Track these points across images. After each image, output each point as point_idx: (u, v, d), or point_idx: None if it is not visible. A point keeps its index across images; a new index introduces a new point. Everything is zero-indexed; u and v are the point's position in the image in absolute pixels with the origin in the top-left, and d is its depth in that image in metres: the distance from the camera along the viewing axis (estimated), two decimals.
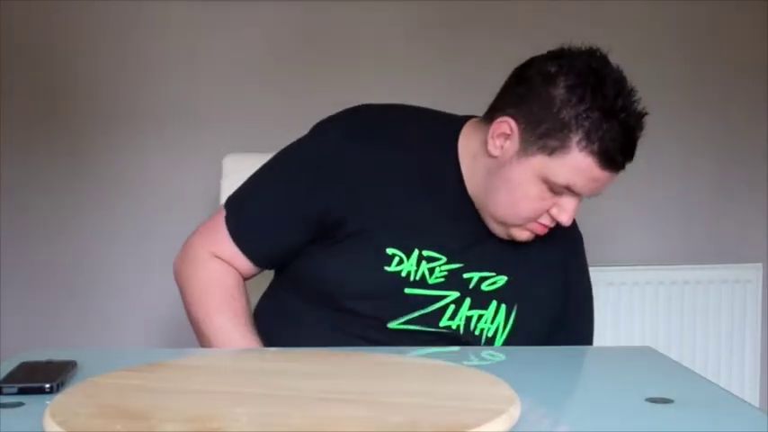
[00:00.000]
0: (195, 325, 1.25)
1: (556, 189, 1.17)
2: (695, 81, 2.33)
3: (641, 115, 1.19)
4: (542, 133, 1.15)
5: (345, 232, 1.21)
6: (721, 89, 2.34)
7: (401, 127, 1.28)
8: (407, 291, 1.20)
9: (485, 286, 1.23)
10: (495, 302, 1.23)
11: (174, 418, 0.71)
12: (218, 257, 1.25)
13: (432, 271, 1.21)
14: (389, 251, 1.19)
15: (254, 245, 1.25)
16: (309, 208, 1.22)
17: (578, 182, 1.16)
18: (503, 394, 0.78)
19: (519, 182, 1.17)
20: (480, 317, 1.23)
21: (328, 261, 1.21)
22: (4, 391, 0.84)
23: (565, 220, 1.19)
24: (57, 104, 2.20)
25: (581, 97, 1.14)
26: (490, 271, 1.24)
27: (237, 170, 1.39)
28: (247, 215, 1.26)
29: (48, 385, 0.84)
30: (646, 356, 1.10)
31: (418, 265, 1.20)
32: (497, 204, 1.20)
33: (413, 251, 1.20)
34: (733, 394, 0.89)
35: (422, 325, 1.21)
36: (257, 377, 0.88)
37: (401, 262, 1.20)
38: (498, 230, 1.23)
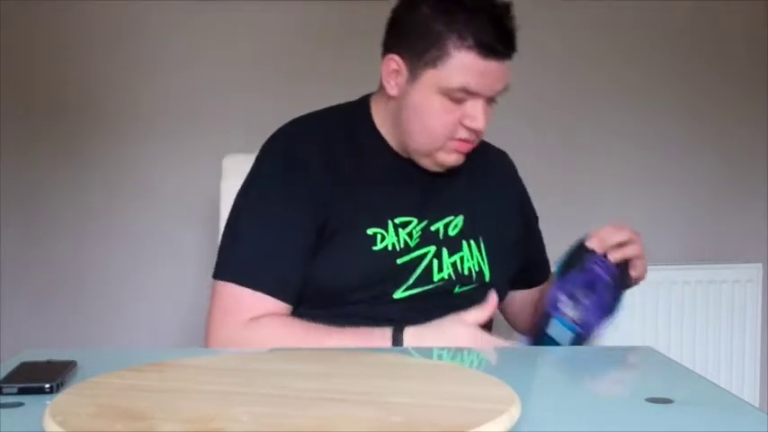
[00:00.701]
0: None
1: (455, 96, 1.22)
2: (695, 81, 2.33)
3: (506, 5, 1.24)
4: (422, 52, 1.22)
5: (329, 233, 1.26)
6: (721, 89, 2.34)
7: (321, 121, 1.35)
8: (399, 261, 1.27)
9: (451, 231, 1.32)
10: (464, 242, 1.32)
11: (174, 418, 0.71)
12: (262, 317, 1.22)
13: (411, 235, 1.28)
14: (370, 231, 1.26)
15: (280, 283, 1.23)
16: (306, 230, 1.25)
17: (470, 80, 1.21)
18: (503, 394, 0.78)
19: (421, 104, 1.24)
20: (462, 258, 1.31)
21: (323, 262, 1.25)
22: (4, 391, 0.84)
23: (477, 125, 1.23)
24: (57, 105, 2.20)
25: (444, 8, 1.22)
26: (448, 216, 1.32)
27: (237, 171, 1.39)
28: (256, 263, 1.24)
29: (48, 385, 0.84)
30: (646, 356, 1.10)
31: (397, 234, 1.27)
32: (414, 136, 1.27)
33: (387, 223, 1.27)
34: (733, 394, 0.89)
35: (421, 286, 1.27)
36: (257, 377, 0.88)
37: (383, 238, 1.26)
38: (429, 164, 1.30)
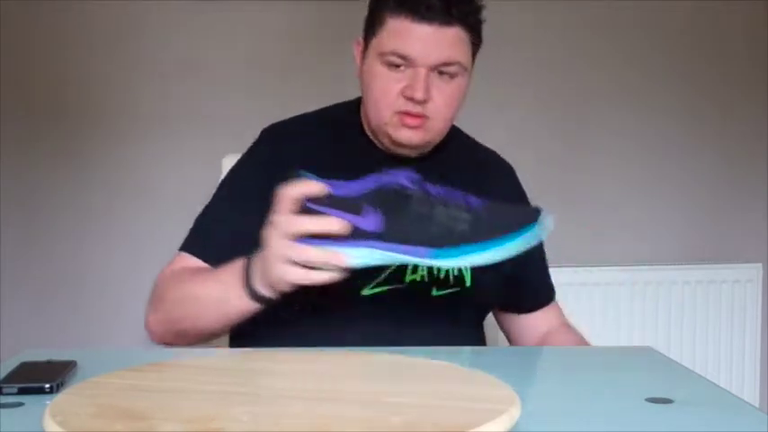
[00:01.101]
0: (185, 312, 1.19)
1: (392, 61, 1.21)
2: (695, 81, 2.33)
3: None
4: (369, 25, 1.25)
5: None
6: (722, 89, 2.34)
7: (310, 120, 1.36)
8: None
9: None
10: None
11: (173, 418, 0.71)
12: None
13: None
14: None
15: (202, 243, 1.26)
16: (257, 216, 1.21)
17: (403, 44, 1.19)
18: (503, 394, 0.78)
19: (368, 75, 1.24)
20: None
21: None
22: (4, 391, 0.84)
23: (414, 93, 1.19)
24: (57, 105, 2.20)
25: None
26: None
27: None
28: (201, 230, 1.28)
29: (48, 385, 0.84)
30: (646, 356, 1.10)
31: None
32: (368, 111, 1.27)
33: None
34: (733, 394, 0.89)
35: (391, 284, 1.23)
36: (257, 377, 0.88)
37: None
38: (388, 143, 1.27)
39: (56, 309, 2.21)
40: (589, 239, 2.29)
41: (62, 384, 0.86)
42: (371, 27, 1.25)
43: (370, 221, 0.99)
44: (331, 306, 1.19)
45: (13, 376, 0.88)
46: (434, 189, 1.01)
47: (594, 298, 2.21)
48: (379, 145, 1.31)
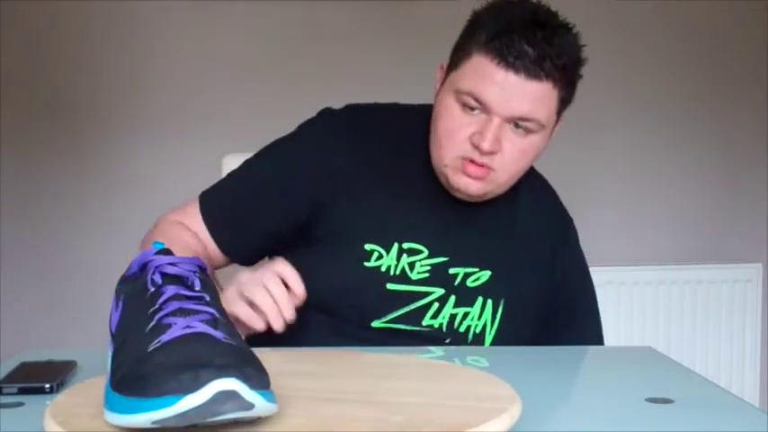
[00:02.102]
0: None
1: (467, 102, 1.11)
2: (696, 82, 2.33)
3: (554, 28, 1.13)
4: (454, 54, 1.16)
5: (322, 230, 1.19)
6: (722, 89, 2.34)
7: (383, 122, 1.28)
8: (389, 286, 1.16)
9: (470, 282, 1.20)
10: (480, 298, 1.19)
11: None
12: (188, 229, 1.22)
13: (412, 265, 1.17)
14: (368, 247, 1.17)
15: (226, 234, 1.23)
16: (289, 197, 1.21)
17: (483, 89, 1.10)
18: (503, 394, 0.78)
19: (440, 107, 1.16)
20: (466, 314, 1.19)
21: (306, 260, 1.16)
22: (4, 391, 0.84)
23: (482, 141, 1.10)
24: (57, 106, 2.20)
25: (489, 13, 1.14)
26: (474, 266, 1.20)
27: None
28: (220, 204, 1.25)
29: (48, 385, 0.84)
30: (646, 356, 1.10)
31: (398, 259, 1.17)
32: (432, 145, 1.18)
33: (392, 245, 1.17)
34: (733, 394, 0.89)
35: (405, 324, 1.17)
36: None
37: (380, 257, 1.17)
38: (444, 184, 1.19)
39: (56, 309, 2.21)
40: (589, 239, 2.28)
41: (62, 384, 0.86)
42: (456, 58, 1.15)
43: None
44: (342, 326, 1.16)
45: (13, 376, 0.88)
46: None
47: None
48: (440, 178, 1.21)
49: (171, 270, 0.76)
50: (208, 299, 0.74)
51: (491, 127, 1.10)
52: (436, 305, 1.18)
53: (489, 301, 1.19)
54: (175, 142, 2.21)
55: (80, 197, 2.21)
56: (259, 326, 1.05)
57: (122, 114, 2.21)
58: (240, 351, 0.67)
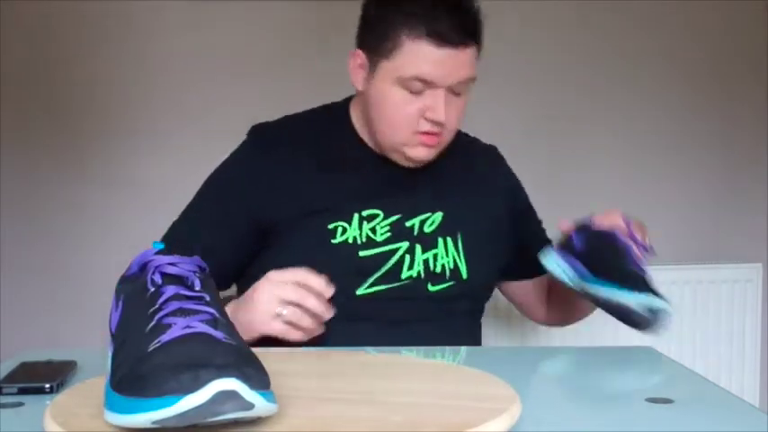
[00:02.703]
0: None
1: (412, 87, 1.21)
2: (696, 81, 2.33)
3: None
4: (379, 44, 1.23)
5: (284, 229, 1.26)
6: (722, 89, 2.34)
7: (299, 121, 1.37)
8: (361, 254, 1.24)
9: (427, 228, 1.29)
10: (440, 239, 1.29)
11: None
12: None
13: (374, 230, 1.26)
14: (331, 226, 1.25)
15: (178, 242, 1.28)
16: (238, 220, 1.29)
17: (423, 69, 1.19)
18: (503, 394, 0.78)
19: (381, 96, 1.24)
20: (435, 255, 1.28)
21: (278, 257, 1.23)
22: (4, 391, 0.84)
23: (437, 116, 1.21)
24: (57, 105, 2.20)
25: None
26: (425, 212, 1.30)
27: None
28: (179, 238, 1.31)
29: (48, 385, 0.84)
30: (646, 356, 1.10)
31: (360, 227, 1.25)
32: (379, 130, 1.27)
33: (352, 216, 1.26)
34: (733, 394, 0.89)
35: (387, 283, 1.24)
36: None
37: (345, 231, 1.25)
38: (400, 159, 1.29)
39: (56, 309, 2.21)
40: None
41: (62, 384, 0.86)
42: (382, 48, 1.23)
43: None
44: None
45: (13, 376, 0.88)
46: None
47: None
48: (369, 144, 1.32)
49: (171, 270, 0.76)
50: (208, 299, 0.74)
51: (440, 100, 1.21)
52: (408, 257, 1.26)
53: (448, 239, 1.29)
54: (175, 143, 2.21)
55: (79, 197, 2.21)
56: (298, 336, 1.12)
57: (122, 115, 2.21)
58: (240, 351, 0.67)
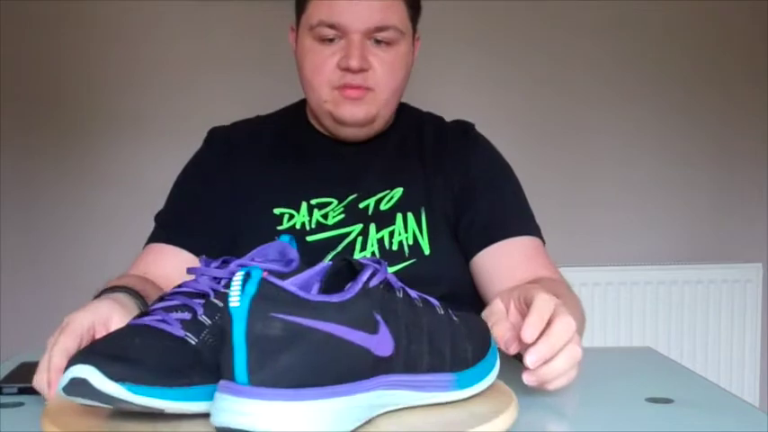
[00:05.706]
0: None
1: (324, 34, 1.17)
2: (696, 81, 2.33)
3: None
4: (297, 3, 1.24)
5: (239, 223, 1.23)
6: (722, 89, 2.34)
7: (255, 121, 1.36)
8: (309, 239, 1.19)
9: (383, 205, 1.23)
10: (399, 214, 1.21)
11: (174, 418, 0.71)
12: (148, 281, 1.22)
13: (326, 216, 1.21)
14: (276, 211, 1.21)
15: (181, 232, 1.27)
16: (209, 213, 1.27)
17: (332, 13, 1.16)
18: (502, 394, 0.78)
19: (301, 54, 1.22)
20: (392, 233, 1.20)
21: (235, 252, 1.16)
22: (4, 391, 0.84)
23: (350, 62, 1.15)
24: (57, 105, 2.20)
25: None
26: (383, 190, 1.24)
27: None
28: (164, 219, 1.32)
29: None
30: (646, 356, 1.10)
31: (310, 214, 1.21)
32: (306, 93, 1.24)
33: (300, 204, 1.22)
34: (733, 394, 0.89)
35: None
36: None
37: (291, 217, 1.21)
38: (331, 124, 1.24)
39: (56, 309, 2.21)
40: (588, 239, 2.29)
41: None
42: (299, 6, 1.23)
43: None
44: None
45: (13, 376, 0.88)
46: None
47: (595, 298, 2.21)
48: (324, 132, 1.29)
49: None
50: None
51: (353, 45, 1.15)
52: (360, 239, 1.20)
53: (409, 214, 1.22)
54: (175, 143, 2.21)
55: (80, 197, 2.21)
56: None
57: (122, 114, 2.21)
58: (150, 346, 0.69)
